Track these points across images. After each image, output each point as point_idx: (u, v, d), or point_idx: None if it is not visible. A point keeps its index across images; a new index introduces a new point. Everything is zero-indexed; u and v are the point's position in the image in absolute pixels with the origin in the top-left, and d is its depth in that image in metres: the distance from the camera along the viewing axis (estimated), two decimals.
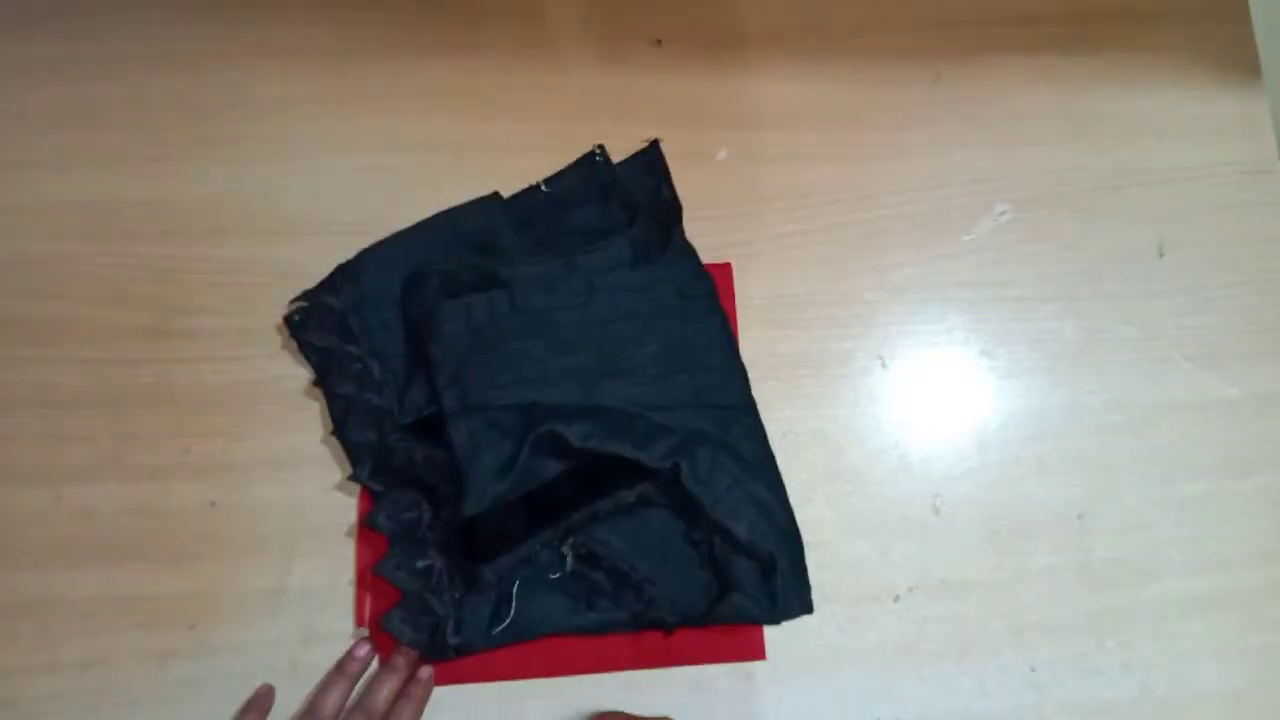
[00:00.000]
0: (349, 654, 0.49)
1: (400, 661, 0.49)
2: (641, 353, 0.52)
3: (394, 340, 0.53)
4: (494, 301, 0.51)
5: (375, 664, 0.50)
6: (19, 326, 0.54)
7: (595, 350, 0.51)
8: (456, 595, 0.49)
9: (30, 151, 0.57)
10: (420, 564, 0.50)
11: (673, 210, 0.55)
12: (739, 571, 0.49)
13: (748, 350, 0.54)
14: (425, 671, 0.49)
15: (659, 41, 0.60)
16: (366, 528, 0.50)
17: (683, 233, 0.55)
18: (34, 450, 0.52)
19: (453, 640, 0.48)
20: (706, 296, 0.54)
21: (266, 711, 0.49)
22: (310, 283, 0.54)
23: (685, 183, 0.57)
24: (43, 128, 0.57)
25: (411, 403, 0.51)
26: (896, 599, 0.52)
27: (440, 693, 0.50)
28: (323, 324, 0.52)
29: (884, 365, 0.55)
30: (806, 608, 0.50)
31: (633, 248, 0.53)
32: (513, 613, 0.49)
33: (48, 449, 0.52)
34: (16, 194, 0.56)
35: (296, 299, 0.53)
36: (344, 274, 0.53)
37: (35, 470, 0.52)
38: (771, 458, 0.52)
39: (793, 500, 0.52)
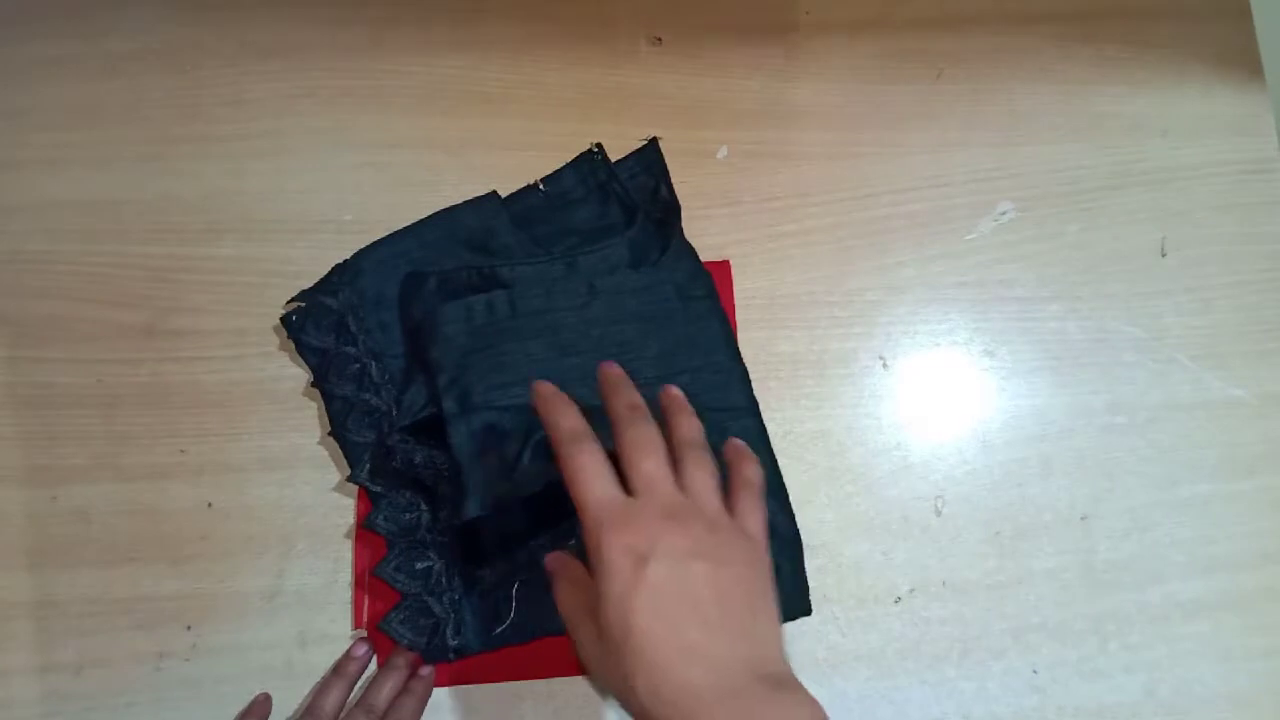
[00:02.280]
0: (347, 654, 0.49)
1: (400, 660, 0.49)
2: (642, 356, 0.51)
3: (392, 341, 0.52)
4: (494, 303, 0.51)
5: (374, 665, 0.50)
6: (15, 326, 0.54)
7: (596, 353, 0.51)
8: (456, 597, 0.49)
9: (26, 150, 0.57)
10: (419, 565, 0.49)
11: (671, 209, 0.55)
12: None
13: (748, 350, 0.54)
14: (426, 668, 0.49)
15: (659, 40, 0.60)
16: (365, 529, 0.50)
17: (682, 232, 0.55)
18: (30, 450, 0.52)
19: (452, 642, 0.48)
20: (707, 297, 0.53)
21: (265, 719, 0.48)
22: (307, 282, 0.53)
23: (685, 181, 0.56)
24: (38, 126, 0.57)
25: (410, 404, 0.50)
26: (898, 600, 0.51)
27: (440, 694, 0.49)
28: (320, 325, 0.52)
29: (885, 365, 0.55)
30: (805, 610, 0.50)
31: (631, 248, 0.53)
32: (513, 614, 0.49)
33: (43, 449, 0.52)
34: (12, 193, 0.56)
35: (293, 299, 0.53)
36: (341, 274, 0.53)
37: (31, 470, 0.52)
38: (772, 459, 0.52)
39: (794, 501, 0.52)
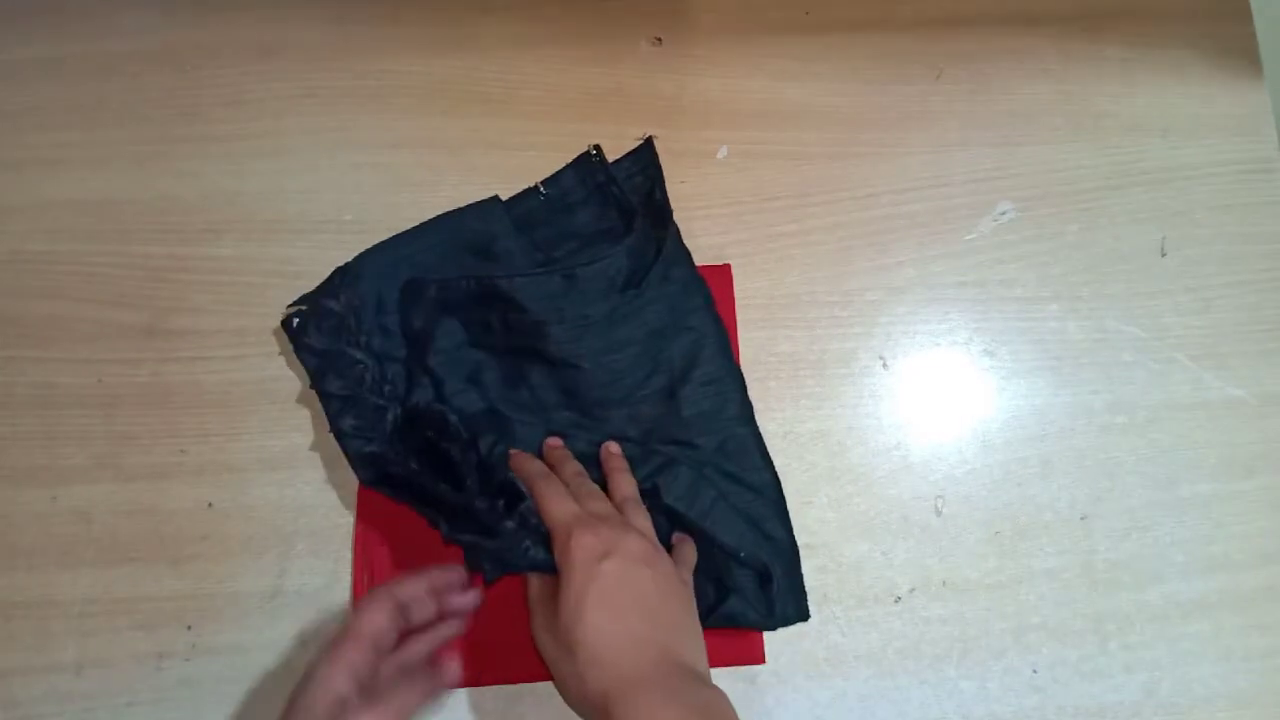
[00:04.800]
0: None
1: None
2: (635, 376, 0.51)
3: (394, 345, 0.52)
4: (491, 324, 0.51)
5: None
6: (15, 326, 0.54)
7: (592, 378, 0.51)
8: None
9: (26, 150, 0.57)
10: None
11: (664, 212, 0.55)
12: (736, 577, 0.49)
13: (748, 350, 0.54)
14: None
15: (659, 40, 0.60)
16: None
17: (678, 233, 0.55)
18: (30, 450, 0.52)
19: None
20: (702, 308, 0.53)
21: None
22: (308, 282, 0.53)
23: (685, 181, 0.56)
24: (39, 126, 0.57)
25: (414, 409, 0.50)
26: (898, 600, 0.51)
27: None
28: (321, 327, 0.51)
29: (885, 365, 0.55)
30: (803, 615, 0.50)
31: (630, 255, 0.52)
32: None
33: (44, 449, 0.52)
34: (12, 193, 0.56)
35: (294, 303, 0.53)
36: (343, 276, 0.53)
37: (31, 470, 0.52)
38: (770, 466, 0.52)
39: (794, 501, 0.52)
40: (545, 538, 0.45)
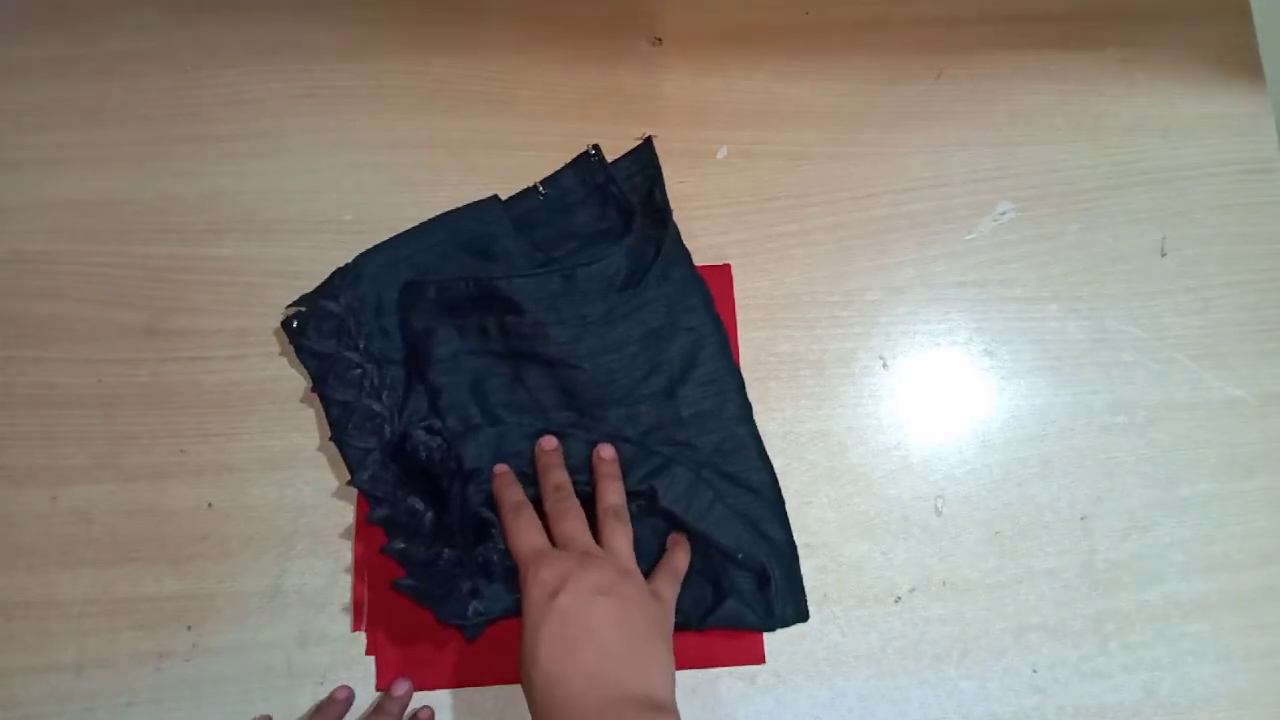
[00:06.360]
0: (330, 697, 0.49)
1: (394, 708, 0.48)
2: (633, 376, 0.51)
3: (393, 347, 0.52)
4: (487, 329, 0.51)
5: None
6: (15, 326, 0.54)
7: (591, 378, 0.51)
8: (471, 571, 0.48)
9: (27, 150, 0.57)
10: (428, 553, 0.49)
11: (663, 214, 0.55)
12: (735, 579, 0.49)
13: (748, 350, 0.54)
14: (400, 688, 0.49)
15: (659, 40, 0.60)
16: (368, 524, 0.50)
17: (677, 234, 0.55)
18: (30, 450, 0.52)
19: (478, 605, 0.47)
20: (700, 308, 0.53)
21: None
22: (308, 282, 0.53)
23: (685, 181, 0.56)
24: (39, 126, 0.57)
25: (412, 414, 0.51)
26: (898, 600, 0.51)
27: (440, 695, 0.49)
28: (321, 329, 0.52)
29: (885, 365, 0.55)
30: (802, 616, 0.50)
31: (629, 255, 0.52)
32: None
33: (44, 449, 0.52)
34: (13, 193, 0.56)
35: (294, 304, 0.53)
36: (342, 278, 0.53)
37: (31, 470, 0.52)
38: (768, 465, 0.52)
39: (794, 501, 0.52)
40: (509, 572, 0.46)
